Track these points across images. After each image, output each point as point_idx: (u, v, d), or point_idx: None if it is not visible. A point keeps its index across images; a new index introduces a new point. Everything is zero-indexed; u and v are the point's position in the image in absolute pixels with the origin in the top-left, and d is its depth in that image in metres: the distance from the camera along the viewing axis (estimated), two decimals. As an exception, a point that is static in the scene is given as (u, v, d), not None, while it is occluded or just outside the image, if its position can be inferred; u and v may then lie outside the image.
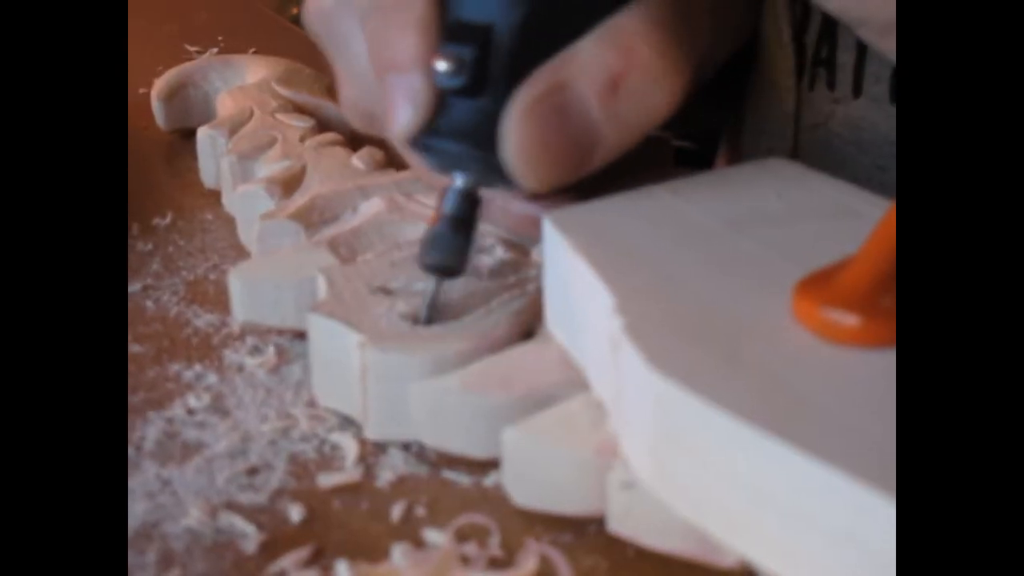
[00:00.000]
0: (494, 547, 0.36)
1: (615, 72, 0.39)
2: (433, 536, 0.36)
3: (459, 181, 0.40)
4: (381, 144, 0.55)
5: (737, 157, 0.60)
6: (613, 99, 0.39)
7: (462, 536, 0.36)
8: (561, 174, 0.39)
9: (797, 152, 0.54)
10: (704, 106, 0.48)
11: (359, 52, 0.42)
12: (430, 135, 0.40)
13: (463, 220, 0.40)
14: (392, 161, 0.53)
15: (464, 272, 0.40)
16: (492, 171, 0.39)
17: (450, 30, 0.39)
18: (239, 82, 0.62)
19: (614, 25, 0.39)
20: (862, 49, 0.51)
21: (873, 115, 0.50)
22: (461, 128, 0.39)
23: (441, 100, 0.39)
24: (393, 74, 0.40)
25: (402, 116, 0.40)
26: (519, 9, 0.38)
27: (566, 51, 0.39)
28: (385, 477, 0.39)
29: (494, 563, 0.35)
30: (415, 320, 0.40)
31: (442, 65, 0.39)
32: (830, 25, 0.51)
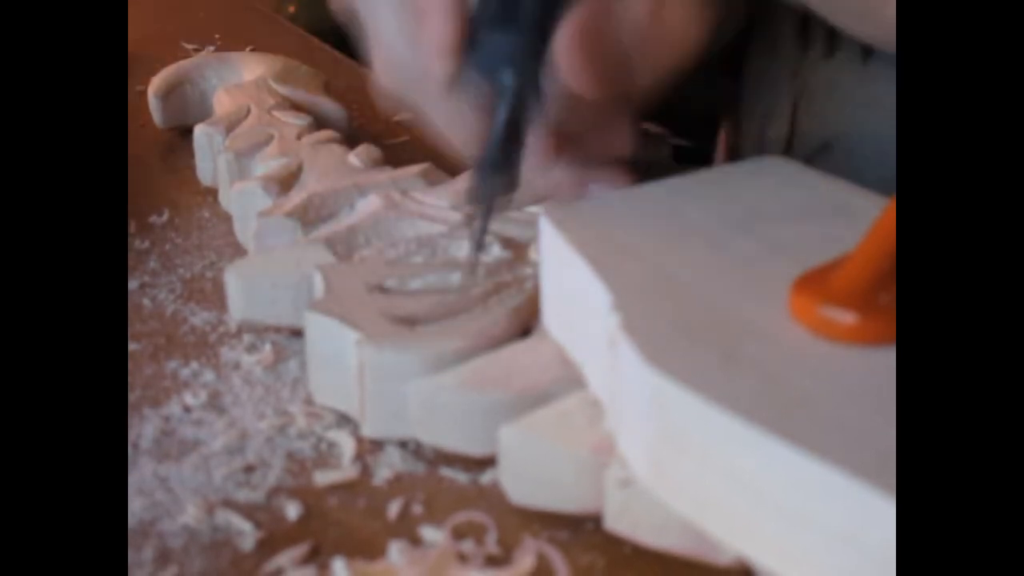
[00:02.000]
0: (491, 544, 0.36)
1: (655, 5, 0.41)
2: (430, 533, 0.36)
3: (507, 79, 0.40)
4: (378, 142, 0.55)
5: (737, 138, 0.60)
6: (651, 32, 0.40)
7: (459, 534, 0.36)
8: (602, 86, 0.40)
9: (795, 117, 0.55)
10: (701, 86, 0.49)
11: (389, 17, 0.42)
12: (472, 38, 0.40)
13: (512, 120, 0.40)
14: (389, 159, 0.53)
15: (517, 185, 0.40)
16: (536, 61, 0.40)
17: None
18: (236, 80, 0.62)
19: None
20: None
21: (843, 76, 0.52)
22: (504, 17, 0.40)
23: (472, 30, 0.40)
24: (425, 22, 0.40)
25: (438, 62, 0.40)
26: None
27: None
28: (382, 474, 0.39)
29: (491, 560, 0.35)
30: (407, 322, 0.40)
31: None
32: None
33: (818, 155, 0.53)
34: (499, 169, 0.40)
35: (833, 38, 0.52)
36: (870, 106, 0.51)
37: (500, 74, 0.40)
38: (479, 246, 0.41)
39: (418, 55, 0.41)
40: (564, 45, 0.39)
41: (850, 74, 0.52)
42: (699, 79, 0.44)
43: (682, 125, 0.52)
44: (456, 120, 0.43)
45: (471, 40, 0.40)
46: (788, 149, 0.55)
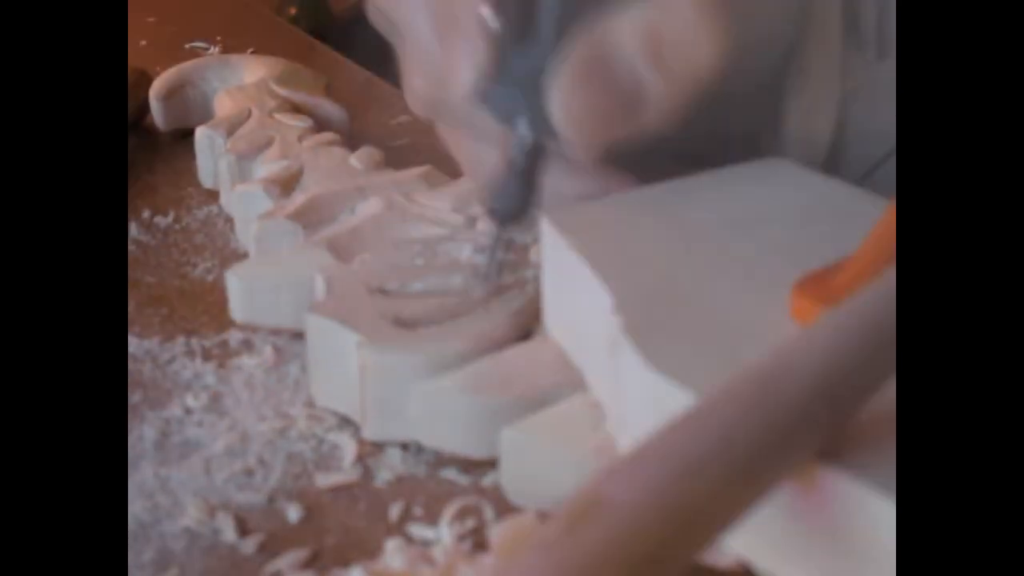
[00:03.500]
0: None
1: (655, 25, 0.39)
2: (431, 535, 0.36)
3: (522, 128, 0.41)
4: (379, 144, 0.55)
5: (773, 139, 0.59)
6: (656, 51, 0.39)
7: (461, 535, 0.36)
8: (609, 131, 0.40)
9: (845, 119, 0.53)
10: (741, 107, 0.48)
11: (424, 36, 0.43)
12: (491, 88, 0.41)
13: (526, 168, 0.41)
14: (390, 161, 0.53)
15: (526, 219, 0.41)
16: (548, 119, 0.40)
17: None
18: (237, 82, 0.62)
19: None
20: (883, 8, 0.51)
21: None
22: (518, 79, 0.40)
23: (499, 53, 0.40)
24: (456, 34, 0.41)
25: (464, 69, 0.41)
26: None
27: (607, 12, 0.40)
28: (383, 477, 0.39)
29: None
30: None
31: (486, 11, 0.40)
32: None
33: (885, 162, 0.53)
34: (510, 211, 0.41)
35: (883, 39, 0.51)
36: None
37: (515, 121, 0.41)
38: (493, 273, 0.41)
39: (447, 66, 0.41)
40: (558, 100, 0.39)
41: None
42: (739, 101, 0.43)
43: (721, 148, 0.51)
44: (473, 154, 0.44)
45: (498, 63, 0.40)
46: (833, 152, 0.54)
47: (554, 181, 0.42)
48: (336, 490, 0.38)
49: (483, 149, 0.44)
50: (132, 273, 0.51)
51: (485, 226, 0.45)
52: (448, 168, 0.51)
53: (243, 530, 0.36)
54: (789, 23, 0.51)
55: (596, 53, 0.39)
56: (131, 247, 0.53)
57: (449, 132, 0.46)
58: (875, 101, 0.52)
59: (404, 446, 0.40)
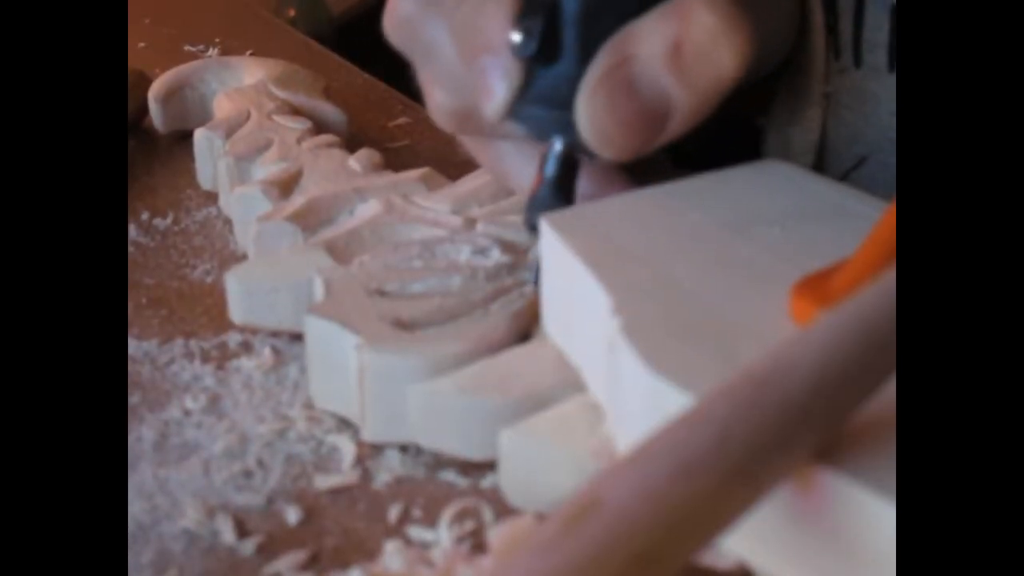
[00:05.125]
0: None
1: (677, 36, 0.39)
2: (430, 537, 0.36)
3: (557, 144, 0.42)
4: (378, 146, 0.55)
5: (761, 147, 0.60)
6: (679, 62, 0.39)
7: (460, 537, 0.36)
8: (638, 143, 0.40)
9: (825, 127, 0.54)
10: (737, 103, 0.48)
11: (448, 53, 0.43)
12: (522, 105, 0.41)
13: (562, 181, 0.42)
14: (389, 163, 0.53)
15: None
16: (578, 133, 0.41)
17: (524, 6, 0.41)
18: (236, 84, 0.62)
19: (673, 1, 0.40)
20: (859, 16, 0.51)
21: (872, 85, 0.50)
22: (548, 95, 0.41)
23: (528, 72, 0.41)
24: (484, 56, 0.41)
25: (497, 92, 0.41)
26: None
27: (628, 27, 0.40)
28: (382, 479, 0.39)
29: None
30: (409, 326, 0.41)
31: (515, 36, 0.41)
32: None
33: (854, 170, 0.53)
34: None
35: (859, 46, 0.52)
36: None
37: (549, 136, 0.42)
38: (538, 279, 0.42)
39: (472, 88, 0.42)
40: (585, 115, 0.40)
41: (877, 83, 0.52)
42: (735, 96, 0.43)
43: (720, 143, 0.51)
44: (505, 158, 0.45)
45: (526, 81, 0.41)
46: (818, 161, 0.54)
47: (588, 187, 0.43)
48: (335, 492, 0.38)
49: (516, 161, 0.45)
50: (131, 275, 0.51)
51: (484, 228, 0.45)
52: (447, 170, 0.51)
53: (242, 531, 0.36)
54: (790, 23, 0.51)
55: (620, 66, 0.39)
56: (130, 249, 0.53)
57: (476, 144, 0.46)
58: (843, 107, 0.53)
59: (403, 448, 0.40)
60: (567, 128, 0.41)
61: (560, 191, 0.42)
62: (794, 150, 0.55)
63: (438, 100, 0.44)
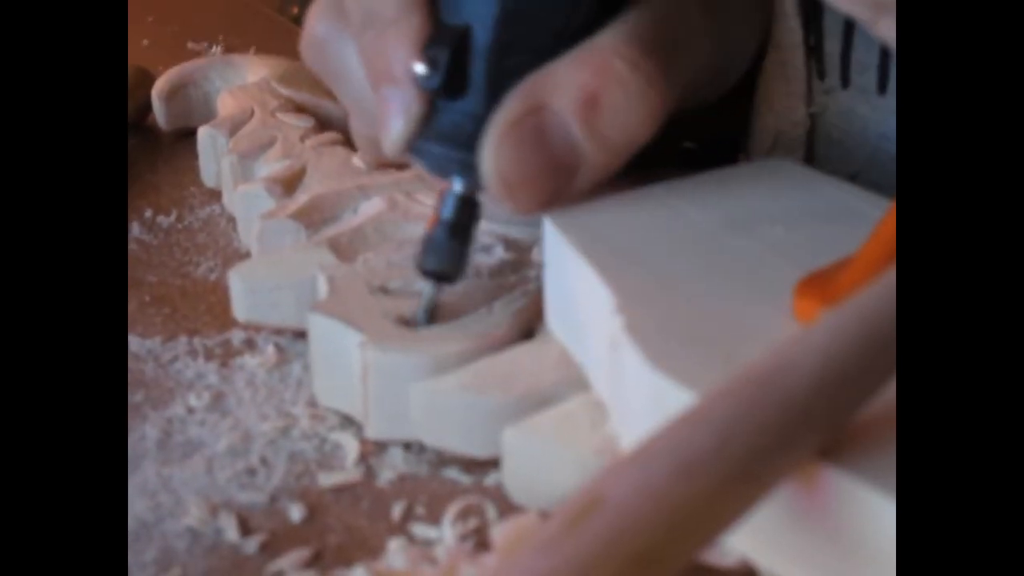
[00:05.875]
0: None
1: (591, 89, 0.38)
2: (433, 535, 0.36)
3: (456, 186, 0.40)
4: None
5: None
6: (592, 117, 0.38)
7: (463, 535, 0.36)
8: (542, 197, 0.39)
9: (811, 145, 0.53)
10: (724, 112, 0.47)
11: (357, 77, 0.42)
12: (424, 141, 0.40)
13: (460, 225, 0.40)
14: (392, 161, 0.53)
15: (461, 278, 0.40)
16: (480, 176, 0.39)
17: (433, 34, 0.40)
18: (240, 81, 0.62)
19: (590, 45, 0.39)
20: (848, 37, 0.50)
21: (861, 107, 0.50)
22: (450, 132, 0.40)
23: (431, 106, 0.40)
24: (386, 85, 0.40)
25: (394, 125, 0.40)
26: (493, 9, 0.38)
27: (541, 71, 0.39)
28: (385, 476, 0.39)
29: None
30: (411, 323, 0.40)
31: (419, 67, 0.39)
32: (817, 10, 0.51)
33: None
34: (441, 259, 0.40)
35: (848, 67, 0.51)
36: (891, 139, 0.49)
37: (448, 176, 0.40)
38: (425, 322, 0.40)
39: (379, 115, 0.41)
40: (489, 160, 0.38)
41: (866, 104, 0.51)
42: (714, 107, 0.43)
43: (702, 152, 0.51)
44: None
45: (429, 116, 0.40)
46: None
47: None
48: (338, 490, 0.38)
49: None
50: (134, 272, 0.51)
51: (487, 226, 0.45)
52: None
53: (245, 530, 0.36)
54: (753, 38, 0.50)
55: (531, 115, 0.38)
56: (133, 247, 0.53)
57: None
58: (831, 127, 0.52)
59: (406, 445, 0.40)
60: (468, 170, 0.39)
61: (456, 235, 0.40)
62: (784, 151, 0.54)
63: (353, 126, 0.44)
